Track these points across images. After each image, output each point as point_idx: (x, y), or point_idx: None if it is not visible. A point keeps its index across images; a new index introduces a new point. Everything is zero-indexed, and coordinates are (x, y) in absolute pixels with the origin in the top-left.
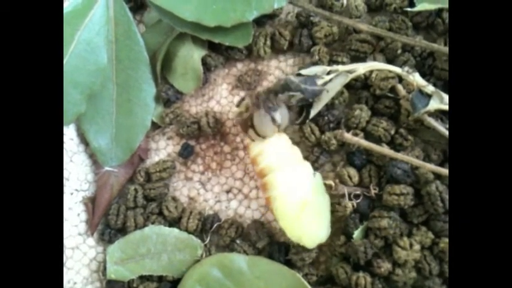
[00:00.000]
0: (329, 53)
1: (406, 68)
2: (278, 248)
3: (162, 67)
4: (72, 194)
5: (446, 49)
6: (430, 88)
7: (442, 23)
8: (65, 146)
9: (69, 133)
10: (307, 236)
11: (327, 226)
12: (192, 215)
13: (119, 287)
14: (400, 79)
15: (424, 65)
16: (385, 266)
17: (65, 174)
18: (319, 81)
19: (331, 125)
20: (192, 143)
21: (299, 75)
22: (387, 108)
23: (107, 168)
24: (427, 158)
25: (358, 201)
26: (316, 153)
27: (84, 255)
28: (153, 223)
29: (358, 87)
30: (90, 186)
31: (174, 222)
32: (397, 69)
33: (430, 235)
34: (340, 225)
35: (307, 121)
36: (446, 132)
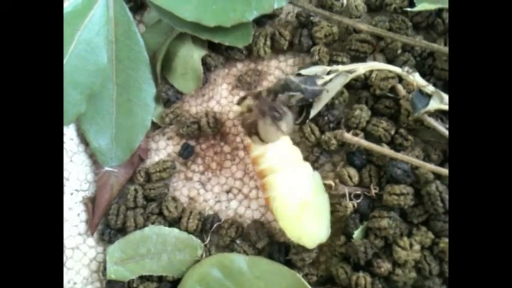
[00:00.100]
0: (329, 53)
1: (406, 68)
2: (278, 248)
3: (162, 67)
4: (72, 194)
5: (446, 49)
6: (430, 88)
7: (442, 23)
8: (65, 146)
9: (69, 133)
10: (307, 236)
11: (327, 226)
12: (192, 215)
13: (118, 287)
14: (400, 79)
15: (424, 65)
16: (385, 266)
17: (65, 174)
18: (319, 81)
19: (331, 125)
20: (192, 143)
21: (299, 75)
22: (387, 108)
23: (107, 168)
24: (427, 158)
25: (359, 201)
26: (316, 153)
27: (84, 256)
28: (153, 223)
29: (358, 87)
30: (90, 186)
31: (174, 222)
32: (397, 69)
33: (430, 235)
34: (340, 225)
35: (307, 121)
36: (446, 132)
